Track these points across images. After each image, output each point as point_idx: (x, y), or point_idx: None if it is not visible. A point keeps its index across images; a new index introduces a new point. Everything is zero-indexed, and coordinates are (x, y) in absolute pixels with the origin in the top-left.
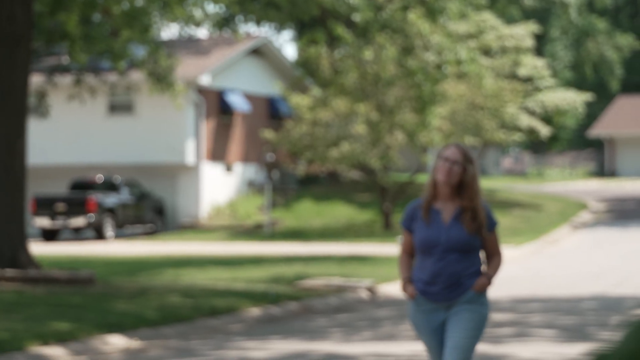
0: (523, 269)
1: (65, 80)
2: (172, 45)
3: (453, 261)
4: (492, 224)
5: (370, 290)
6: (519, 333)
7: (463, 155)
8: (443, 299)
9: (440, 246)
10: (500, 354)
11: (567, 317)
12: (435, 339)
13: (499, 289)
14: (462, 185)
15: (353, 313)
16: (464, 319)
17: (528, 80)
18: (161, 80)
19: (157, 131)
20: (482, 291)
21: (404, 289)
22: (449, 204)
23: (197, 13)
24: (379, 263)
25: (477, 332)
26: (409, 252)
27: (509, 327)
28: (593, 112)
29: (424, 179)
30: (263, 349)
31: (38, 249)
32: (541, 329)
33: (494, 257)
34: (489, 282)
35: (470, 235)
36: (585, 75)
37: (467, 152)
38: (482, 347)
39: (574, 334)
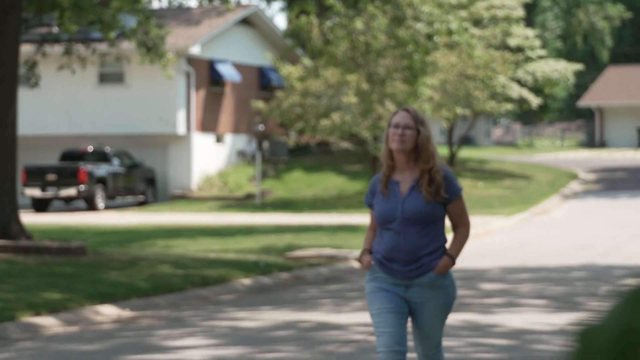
0: (513, 239)
1: (56, 50)
2: (162, 15)
3: (412, 236)
4: (455, 190)
5: None
6: (508, 303)
7: (414, 118)
8: (402, 277)
9: (397, 220)
10: (490, 324)
11: (557, 286)
12: (389, 304)
13: (488, 259)
14: (417, 150)
15: (343, 283)
16: (430, 311)
17: (519, 50)
18: (151, 50)
19: (148, 101)
20: (445, 273)
21: (360, 258)
22: (407, 174)
23: None
24: None
25: (445, 316)
26: (375, 227)
27: (499, 297)
28: (583, 83)
29: None
30: (254, 319)
31: (29, 219)
32: (531, 298)
33: (460, 229)
34: (452, 263)
35: (428, 203)
36: (576, 45)
37: (417, 114)
38: (472, 317)
39: (563, 303)
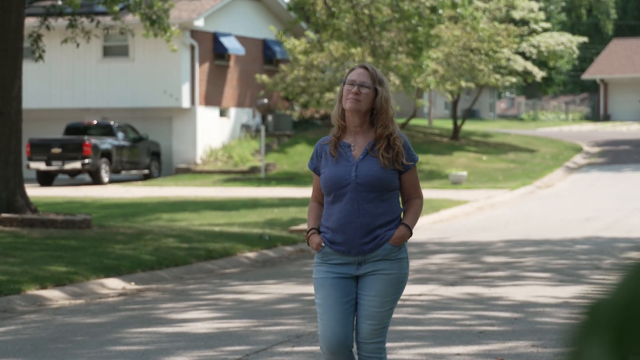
0: (517, 212)
1: (60, 23)
2: None
3: (366, 204)
4: (413, 158)
5: None
6: (512, 276)
7: (372, 76)
8: (355, 252)
9: (350, 185)
10: (494, 296)
11: (560, 259)
12: (335, 292)
13: (492, 232)
14: (374, 112)
15: None
16: (380, 284)
17: (523, 23)
18: (154, 23)
19: (152, 75)
20: (401, 244)
21: (309, 240)
22: (361, 138)
23: None
24: None
25: (394, 297)
26: (319, 199)
27: (503, 270)
28: (588, 56)
29: (418, 122)
30: (258, 292)
31: (34, 192)
32: (534, 271)
33: (413, 201)
34: (409, 234)
35: (384, 169)
36: (580, 18)
37: (376, 72)
38: (476, 290)
39: (566, 276)
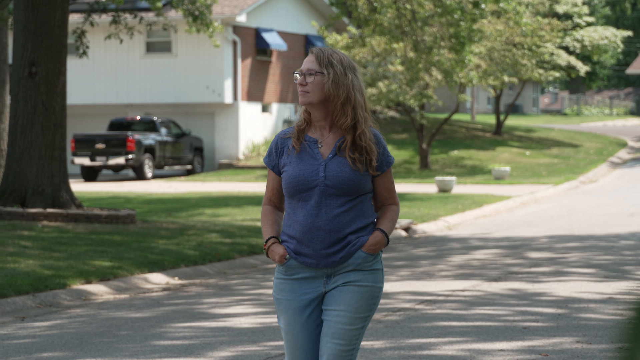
0: (560, 207)
1: (103, 19)
2: None
3: (335, 209)
4: (388, 161)
5: (408, 229)
6: (556, 271)
7: (318, 60)
8: (324, 264)
9: (317, 187)
10: (538, 292)
11: (605, 255)
12: (302, 318)
13: (536, 228)
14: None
15: (390, 252)
16: (350, 297)
17: (566, 17)
18: (197, 19)
19: (195, 70)
20: (377, 252)
21: (269, 251)
22: (330, 134)
23: None
24: (416, 202)
25: (366, 314)
26: (275, 202)
27: (547, 266)
28: (633, 50)
29: (461, 117)
30: None
31: (78, 187)
32: (579, 267)
33: (389, 207)
34: (386, 241)
35: (357, 172)
36: (625, 12)
37: (325, 53)
38: (520, 286)
39: (611, 272)
